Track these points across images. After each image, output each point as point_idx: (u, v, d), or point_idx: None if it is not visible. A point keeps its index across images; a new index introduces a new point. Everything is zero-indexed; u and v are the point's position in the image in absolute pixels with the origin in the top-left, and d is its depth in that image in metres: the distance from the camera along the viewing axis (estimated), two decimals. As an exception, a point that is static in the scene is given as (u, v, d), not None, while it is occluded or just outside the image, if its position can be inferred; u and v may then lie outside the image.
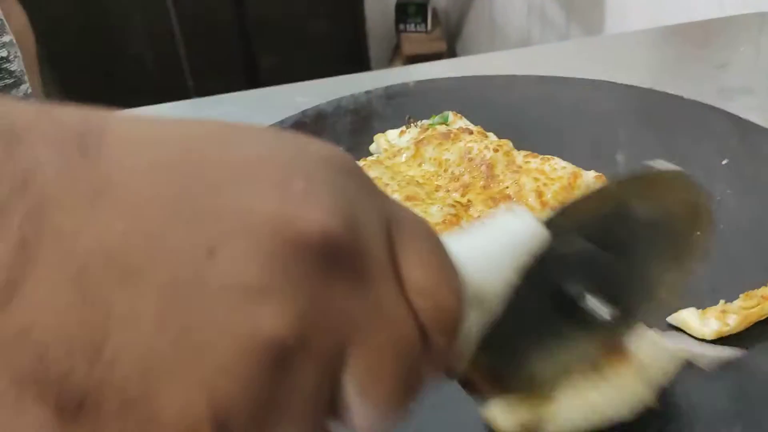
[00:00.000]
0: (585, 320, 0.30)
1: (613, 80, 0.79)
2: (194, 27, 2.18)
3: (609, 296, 0.30)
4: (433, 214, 0.56)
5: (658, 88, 0.77)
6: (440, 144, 0.65)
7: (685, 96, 0.74)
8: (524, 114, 0.75)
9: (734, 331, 0.47)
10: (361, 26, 2.38)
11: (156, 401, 0.18)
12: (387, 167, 0.64)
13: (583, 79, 0.80)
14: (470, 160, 0.63)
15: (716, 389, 0.46)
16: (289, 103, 0.80)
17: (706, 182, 0.61)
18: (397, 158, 0.66)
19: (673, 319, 0.50)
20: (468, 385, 0.29)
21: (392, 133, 0.71)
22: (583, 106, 0.76)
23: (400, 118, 0.72)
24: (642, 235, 0.31)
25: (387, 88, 0.82)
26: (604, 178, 0.60)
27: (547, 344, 0.30)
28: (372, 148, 0.71)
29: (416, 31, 2.40)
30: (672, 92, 0.75)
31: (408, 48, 2.37)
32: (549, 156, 0.62)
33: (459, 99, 0.77)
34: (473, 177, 0.61)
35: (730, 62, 0.85)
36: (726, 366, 0.45)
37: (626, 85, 0.78)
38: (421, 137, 0.67)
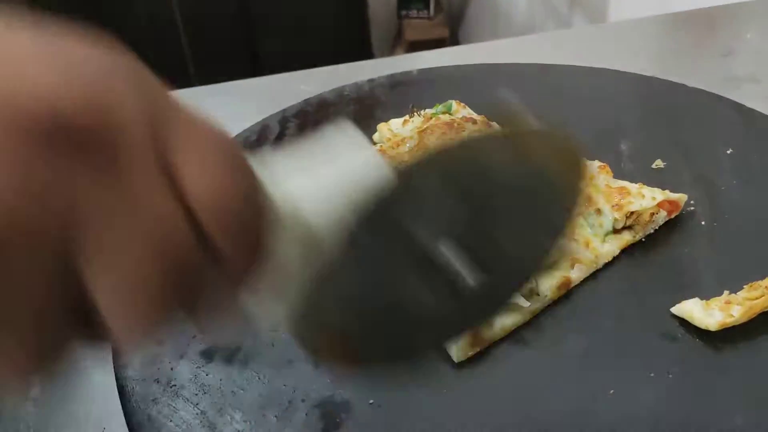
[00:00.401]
0: (446, 284, 0.25)
1: (616, 68, 0.79)
2: (196, 13, 2.17)
3: (475, 259, 0.25)
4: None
5: (662, 76, 0.77)
6: (444, 134, 0.65)
7: (690, 84, 0.74)
8: (527, 103, 0.75)
9: (738, 322, 0.47)
10: (363, 12, 2.37)
11: None
12: (390, 157, 0.64)
13: (586, 67, 0.80)
14: (474, 149, 0.62)
15: (719, 380, 0.46)
16: (292, 91, 0.80)
17: (711, 172, 0.62)
18: (400, 148, 0.66)
19: (677, 309, 0.50)
20: (314, 352, 0.25)
21: (395, 123, 0.70)
22: (587, 95, 0.75)
23: (403, 107, 0.72)
24: (506, 194, 0.27)
25: (390, 76, 0.81)
26: (608, 168, 0.60)
27: (399, 306, 0.25)
28: (375, 137, 0.71)
29: (419, 17, 2.39)
30: (676, 81, 0.75)
31: (410, 34, 2.36)
32: (553, 146, 0.62)
33: (462, 88, 0.76)
34: (477, 167, 0.61)
35: (736, 50, 0.85)
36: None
37: (630, 74, 0.78)
38: (425, 126, 0.67)
